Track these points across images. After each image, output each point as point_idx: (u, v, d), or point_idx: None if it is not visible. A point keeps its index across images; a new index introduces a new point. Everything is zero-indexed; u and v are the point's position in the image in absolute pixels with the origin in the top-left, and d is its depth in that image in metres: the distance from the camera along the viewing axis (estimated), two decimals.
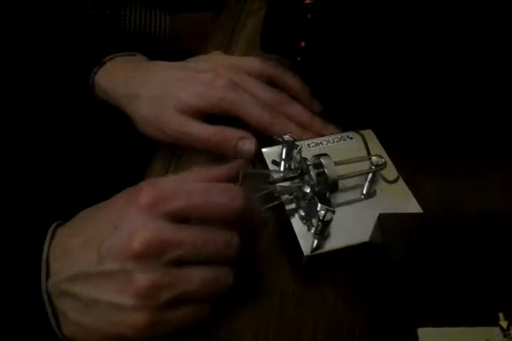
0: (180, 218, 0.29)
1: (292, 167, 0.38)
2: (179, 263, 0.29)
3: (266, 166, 0.39)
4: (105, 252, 0.28)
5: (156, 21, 0.61)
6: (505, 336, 0.26)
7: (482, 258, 0.29)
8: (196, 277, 0.29)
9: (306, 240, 0.34)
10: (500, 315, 0.27)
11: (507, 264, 0.29)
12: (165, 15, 0.63)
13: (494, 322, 0.27)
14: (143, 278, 0.28)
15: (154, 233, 0.28)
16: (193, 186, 0.30)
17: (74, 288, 0.29)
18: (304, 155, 0.38)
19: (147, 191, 0.29)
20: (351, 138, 0.41)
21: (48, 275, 0.29)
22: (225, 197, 0.30)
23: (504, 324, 0.27)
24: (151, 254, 0.28)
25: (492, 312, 0.27)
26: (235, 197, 0.30)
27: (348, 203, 0.37)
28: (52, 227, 0.31)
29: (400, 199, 0.37)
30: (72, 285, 0.29)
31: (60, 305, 0.30)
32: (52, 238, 0.30)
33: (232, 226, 0.31)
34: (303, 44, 0.40)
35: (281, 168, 0.39)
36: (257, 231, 0.33)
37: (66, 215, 0.33)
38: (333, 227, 0.34)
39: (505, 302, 0.27)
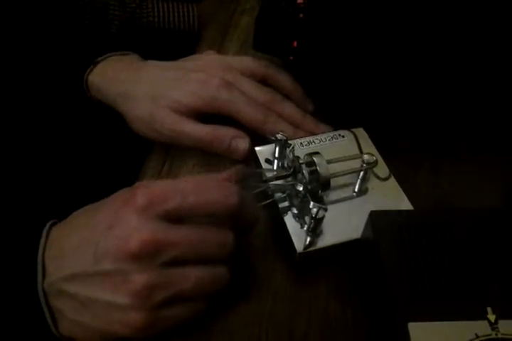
0: (176, 217, 0.30)
1: (285, 165, 0.39)
2: (175, 262, 0.29)
3: (259, 165, 0.40)
4: (101, 252, 0.28)
5: (184, 11, 0.60)
6: (493, 329, 0.27)
7: (471, 254, 0.30)
8: (192, 276, 0.30)
9: (299, 237, 0.35)
10: (489, 309, 0.28)
11: (495, 259, 0.30)
12: (192, 5, 0.62)
13: (482, 316, 0.27)
14: (139, 279, 0.28)
15: (150, 234, 0.28)
16: (187, 185, 0.30)
17: (70, 287, 0.29)
18: (296, 153, 0.38)
19: (142, 192, 0.29)
20: (343, 137, 0.41)
21: (44, 275, 0.30)
22: (219, 194, 0.30)
23: (492, 318, 0.27)
24: (147, 255, 0.28)
25: (480, 306, 0.28)
26: (230, 194, 0.30)
27: (340, 201, 0.37)
28: (47, 226, 0.31)
29: (392, 197, 0.38)
30: (69, 284, 0.29)
31: (56, 304, 0.30)
32: (47, 237, 0.31)
33: (227, 224, 0.31)
34: (295, 44, 0.40)
35: (274, 167, 0.39)
36: (251, 228, 0.34)
37: (61, 214, 0.33)
38: (326, 224, 0.35)
39: (493, 297, 0.28)
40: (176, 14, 0.58)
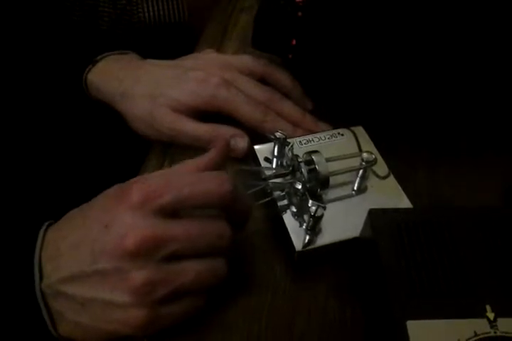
0: (171, 211, 0.29)
1: (284, 164, 0.39)
2: (173, 257, 0.29)
3: (258, 163, 0.40)
4: (99, 252, 0.28)
5: (173, 4, 0.60)
6: (491, 327, 0.27)
7: (470, 252, 0.30)
8: (191, 270, 0.30)
9: (297, 236, 0.35)
10: (488, 307, 0.28)
11: (494, 257, 0.30)
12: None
13: (481, 314, 0.27)
14: (138, 276, 0.28)
15: (147, 230, 0.28)
16: (181, 178, 0.30)
17: (69, 288, 0.29)
18: (295, 152, 0.38)
19: (136, 188, 0.29)
20: (342, 135, 0.41)
21: (41, 277, 0.29)
22: (213, 184, 0.30)
23: (491, 315, 0.27)
24: (145, 251, 0.28)
25: (479, 304, 0.28)
26: (223, 183, 0.30)
27: (339, 199, 0.37)
28: (44, 228, 0.31)
29: (391, 195, 0.38)
30: (67, 286, 0.29)
31: (55, 306, 0.30)
32: (43, 239, 0.31)
33: (223, 216, 0.31)
34: (294, 42, 0.40)
35: (273, 165, 0.39)
36: (245, 219, 0.34)
37: (59, 214, 0.33)
38: (325, 223, 0.35)
39: (491, 295, 0.28)
40: (165, 7, 0.58)
